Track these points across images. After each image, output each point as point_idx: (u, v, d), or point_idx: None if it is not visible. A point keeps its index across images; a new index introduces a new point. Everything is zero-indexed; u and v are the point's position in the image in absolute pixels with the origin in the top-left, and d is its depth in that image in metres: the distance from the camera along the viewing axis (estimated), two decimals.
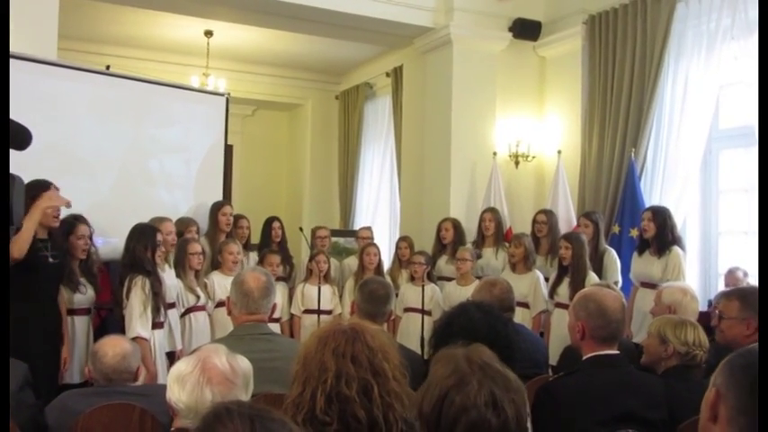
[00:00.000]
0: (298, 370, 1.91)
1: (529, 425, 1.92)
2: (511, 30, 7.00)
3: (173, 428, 2.01)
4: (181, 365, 1.99)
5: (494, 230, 5.94)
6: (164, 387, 2.03)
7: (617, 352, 2.51)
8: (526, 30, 7.00)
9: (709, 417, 1.31)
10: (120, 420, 2.49)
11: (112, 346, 2.79)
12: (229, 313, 2.89)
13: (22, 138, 1.62)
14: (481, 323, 2.36)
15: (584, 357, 2.51)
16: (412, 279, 5.65)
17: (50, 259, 4.03)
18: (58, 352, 4.07)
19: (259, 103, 10.15)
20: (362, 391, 1.84)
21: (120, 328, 4.07)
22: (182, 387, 1.93)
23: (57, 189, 4.04)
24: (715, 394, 1.30)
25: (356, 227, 8.50)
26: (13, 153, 1.78)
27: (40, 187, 3.93)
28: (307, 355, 1.91)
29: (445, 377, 1.50)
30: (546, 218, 5.73)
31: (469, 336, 2.31)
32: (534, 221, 5.79)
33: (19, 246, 3.76)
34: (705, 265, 5.69)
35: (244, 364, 2.02)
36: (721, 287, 5.00)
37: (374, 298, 3.19)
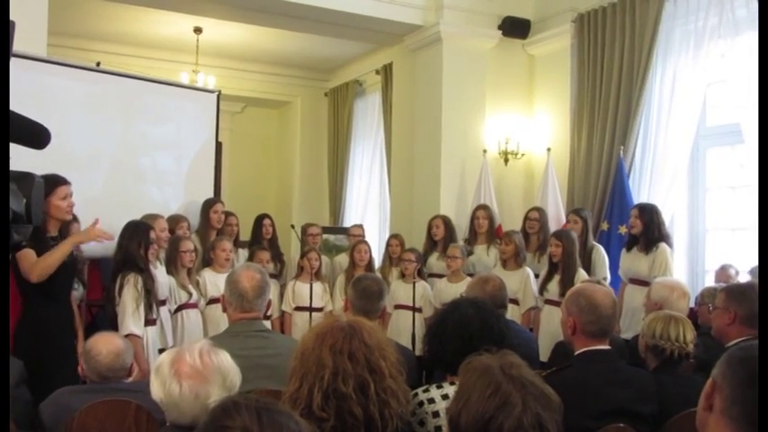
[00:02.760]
0: (295, 366, 1.93)
1: None
2: (500, 28, 7.03)
3: (167, 424, 2.04)
4: (160, 358, 2.04)
5: (486, 227, 5.96)
6: None
7: (608, 347, 2.55)
8: (515, 28, 7.04)
9: (705, 406, 1.35)
10: (115, 416, 2.49)
11: (105, 344, 2.77)
12: (224, 311, 2.90)
13: (40, 137, 1.62)
14: (474, 319, 2.38)
15: (576, 352, 2.55)
16: (402, 276, 5.68)
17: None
18: (75, 349, 4.01)
19: (248, 100, 10.14)
20: (359, 388, 1.87)
21: (112, 326, 4.07)
22: (156, 379, 1.98)
23: (69, 184, 4.05)
24: (711, 385, 1.35)
25: (346, 224, 8.53)
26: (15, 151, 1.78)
27: (53, 183, 3.95)
28: (304, 350, 1.93)
29: (487, 396, 1.47)
30: (539, 215, 5.79)
31: (463, 332, 2.34)
32: (526, 218, 5.83)
33: (42, 269, 3.74)
34: (693, 261, 5.75)
35: (221, 360, 2.02)
36: (709, 284, 5.06)
37: (367, 294, 3.21)
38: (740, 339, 2.87)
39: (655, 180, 5.80)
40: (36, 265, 3.74)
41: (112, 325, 4.08)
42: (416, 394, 2.27)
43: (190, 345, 2.04)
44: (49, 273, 3.76)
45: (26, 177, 1.51)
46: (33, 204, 1.47)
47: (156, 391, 1.98)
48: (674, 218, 5.66)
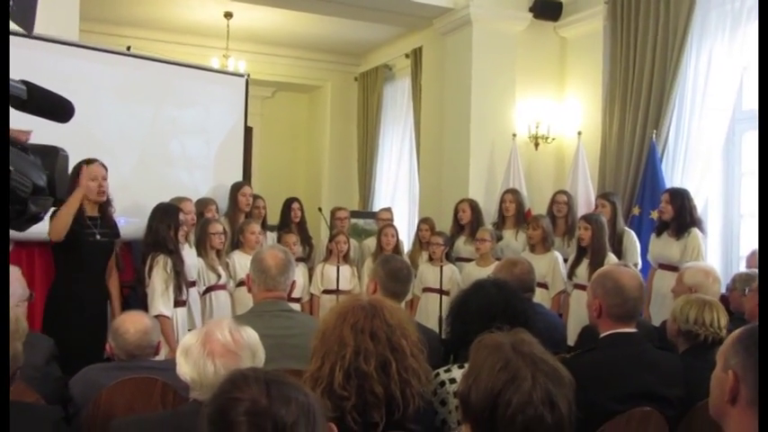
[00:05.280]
0: (317, 345, 1.93)
1: None
2: (531, 10, 6.94)
3: (190, 399, 2.05)
4: (186, 340, 2.04)
5: (514, 211, 5.92)
6: None
7: (634, 330, 2.51)
8: (547, 10, 6.94)
9: (728, 399, 1.31)
10: (142, 393, 2.52)
11: (133, 323, 2.81)
12: (249, 290, 2.92)
13: (64, 109, 1.62)
14: (498, 300, 2.36)
15: (602, 335, 2.52)
16: (430, 260, 5.67)
17: (98, 237, 4.11)
18: (104, 329, 4.04)
19: (279, 84, 10.16)
20: (380, 366, 1.86)
21: (143, 307, 4.13)
22: (186, 361, 1.98)
23: (94, 163, 4.13)
24: (733, 377, 1.31)
25: (375, 208, 8.53)
26: (39, 131, 1.80)
27: (78, 165, 4.05)
28: (326, 330, 1.93)
29: (496, 371, 1.45)
30: (566, 198, 5.73)
31: (487, 313, 2.32)
32: (553, 201, 5.77)
33: (55, 227, 3.88)
34: (727, 247, 5.63)
35: (249, 335, 2.03)
36: (743, 270, 4.96)
37: (399, 277, 3.10)
38: None
39: (688, 165, 5.70)
40: (50, 225, 3.86)
41: (143, 306, 4.15)
42: (438, 374, 2.27)
43: (215, 324, 2.05)
44: (61, 228, 3.88)
45: (50, 151, 1.52)
46: (57, 178, 1.47)
47: (188, 371, 1.97)
48: (707, 203, 5.56)
